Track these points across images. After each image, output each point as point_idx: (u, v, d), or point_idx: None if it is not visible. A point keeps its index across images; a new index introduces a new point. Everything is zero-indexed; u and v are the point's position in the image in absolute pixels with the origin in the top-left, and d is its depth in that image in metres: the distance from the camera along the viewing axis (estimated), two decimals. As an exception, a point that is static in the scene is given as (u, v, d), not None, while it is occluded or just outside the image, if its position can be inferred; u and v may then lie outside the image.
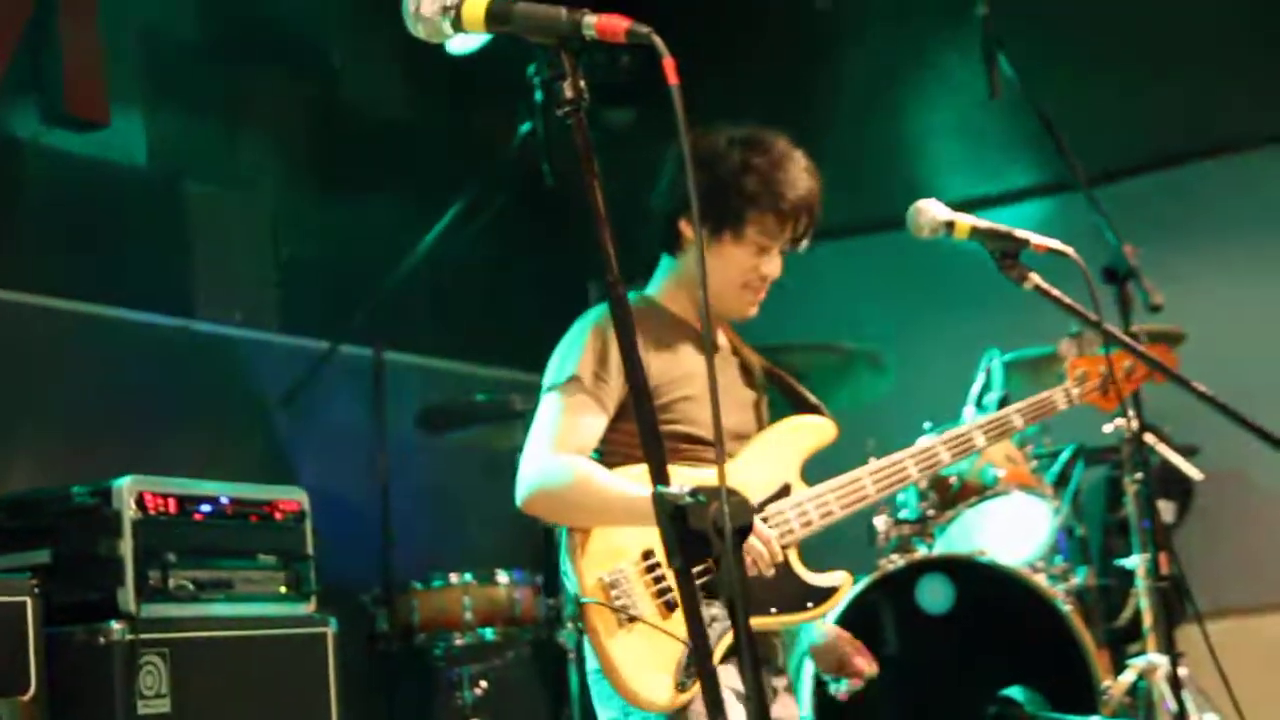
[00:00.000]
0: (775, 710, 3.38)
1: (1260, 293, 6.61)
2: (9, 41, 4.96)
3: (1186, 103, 6.60)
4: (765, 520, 3.24)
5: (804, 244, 3.49)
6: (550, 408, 3.26)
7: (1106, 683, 4.96)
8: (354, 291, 5.81)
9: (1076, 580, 5.48)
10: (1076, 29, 6.78)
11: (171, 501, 3.99)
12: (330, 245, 6.07)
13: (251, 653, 4.07)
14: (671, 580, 3.11)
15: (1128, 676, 4.94)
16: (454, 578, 5.17)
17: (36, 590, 3.66)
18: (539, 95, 5.31)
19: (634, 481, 3.14)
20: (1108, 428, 5.07)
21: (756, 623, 3.23)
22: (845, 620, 4.91)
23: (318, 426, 5.82)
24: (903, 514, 5.46)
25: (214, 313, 5.61)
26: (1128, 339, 3.45)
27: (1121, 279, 4.79)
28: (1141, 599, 5.02)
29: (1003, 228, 3.34)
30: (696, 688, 3.06)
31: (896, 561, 5.08)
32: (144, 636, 3.80)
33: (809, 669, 4.84)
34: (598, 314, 3.37)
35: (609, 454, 3.29)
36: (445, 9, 2.20)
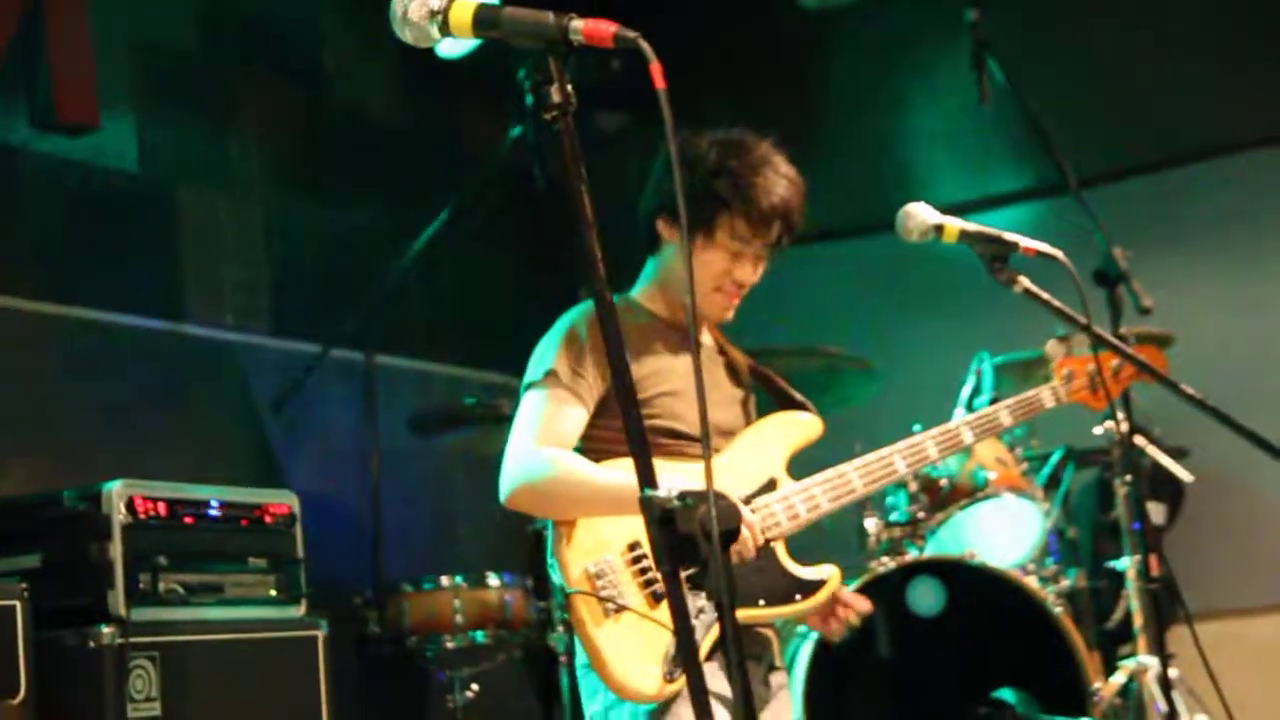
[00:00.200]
0: (772, 712, 3.38)
1: (1250, 295, 6.63)
2: (0, 46, 4.96)
3: (1176, 105, 6.61)
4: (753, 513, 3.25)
5: (781, 248, 3.47)
6: (530, 404, 3.27)
7: (1097, 684, 4.96)
8: (345, 295, 5.81)
9: (1067, 582, 5.49)
10: (1065, 33, 6.80)
11: (162, 505, 3.99)
12: (321, 249, 6.07)
13: (242, 656, 4.07)
14: (659, 570, 3.11)
15: (1118, 678, 4.95)
16: (445, 580, 5.16)
17: (26, 594, 3.66)
18: (529, 99, 5.32)
19: (619, 470, 3.16)
20: (1098, 430, 5.08)
21: (744, 615, 3.24)
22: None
23: (309, 430, 5.82)
24: (894, 516, 5.46)
25: (205, 316, 5.61)
26: (1116, 341, 3.46)
27: (1111, 282, 4.80)
28: (1132, 601, 5.03)
29: (992, 231, 3.35)
30: (684, 679, 3.06)
31: (887, 564, 5.08)
32: (134, 640, 3.79)
33: (801, 668, 4.84)
34: (575, 313, 3.38)
35: (591, 451, 3.28)
36: (433, 14, 2.21)
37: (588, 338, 3.29)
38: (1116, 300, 4.82)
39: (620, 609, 3.07)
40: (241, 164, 5.95)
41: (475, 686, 5.24)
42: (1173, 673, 4.80)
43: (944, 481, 5.43)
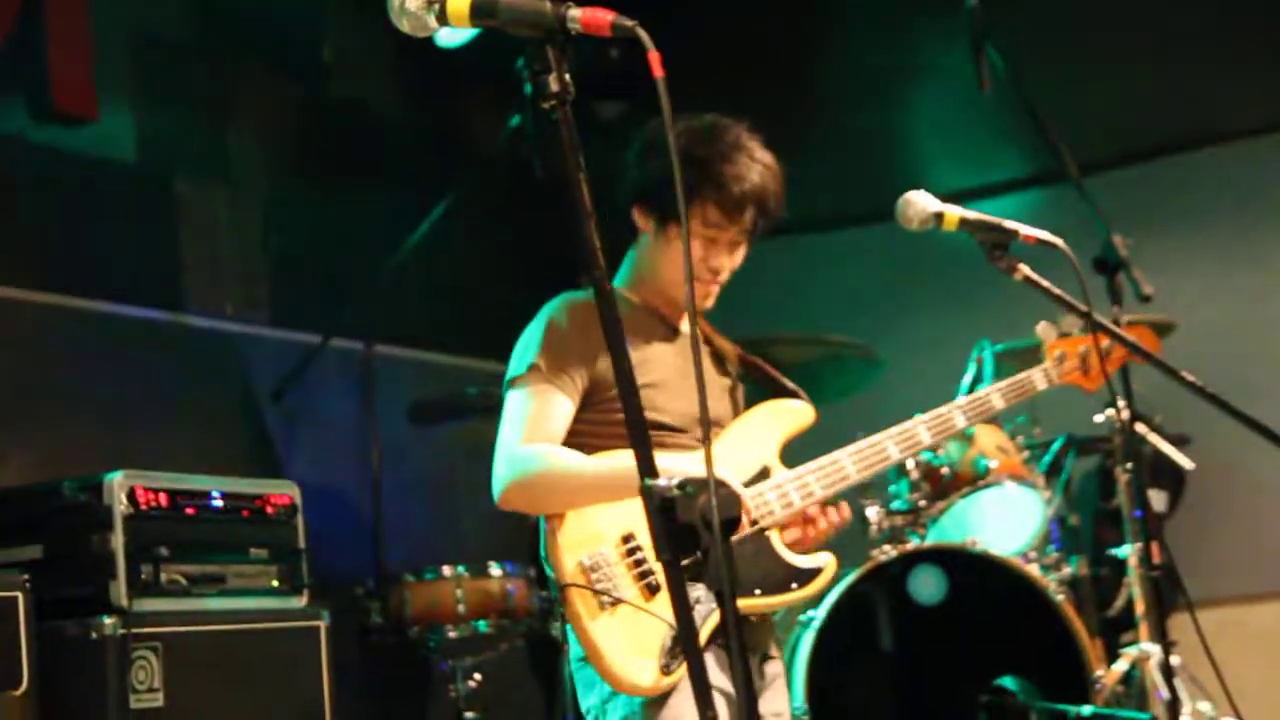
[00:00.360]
0: (766, 702, 3.37)
1: (1250, 283, 6.62)
2: (-2, 38, 4.96)
3: (1176, 93, 6.60)
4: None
5: (759, 233, 3.42)
6: (515, 401, 3.24)
7: (1099, 672, 4.96)
8: (345, 285, 5.81)
9: (1069, 570, 5.49)
10: (1065, 20, 6.78)
11: (163, 496, 3.99)
12: (321, 239, 6.07)
13: (244, 646, 4.07)
14: (653, 562, 3.10)
15: (1120, 665, 4.95)
16: (447, 570, 5.16)
17: (28, 585, 3.66)
18: (528, 88, 5.31)
19: (608, 458, 3.15)
20: (1099, 418, 5.08)
21: (741, 604, 3.22)
22: (838, 611, 4.92)
23: (309, 420, 5.82)
24: (895, 505, 5.46)
25: (205, 307, 5.61)
26: (1107, 323, 3.45)
27: (1111, 269, 4.80)
28: (1134, 588, 5.04)
29: (992, 219, 3.34)
30: (681, 671, 3.05)
31: (889, 552, 5.08)
32: (136, 631, 3.79)
33: (803, 657, 4.85)
34: (554, 305, 3.36)
35: (577, 443, 3.26)
36: (430, 3, 2.21)
37: (569, 329, 3.27)
38: (1116, 288, 4.82)
39: (616, 602, 3.05)
40: (240, 155, 5.94)
41: (478, 676, 5.25)
42: (1174, 660, 4.80)
43: (945, 470, 5.42)
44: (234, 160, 5.92)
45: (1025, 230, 3.32)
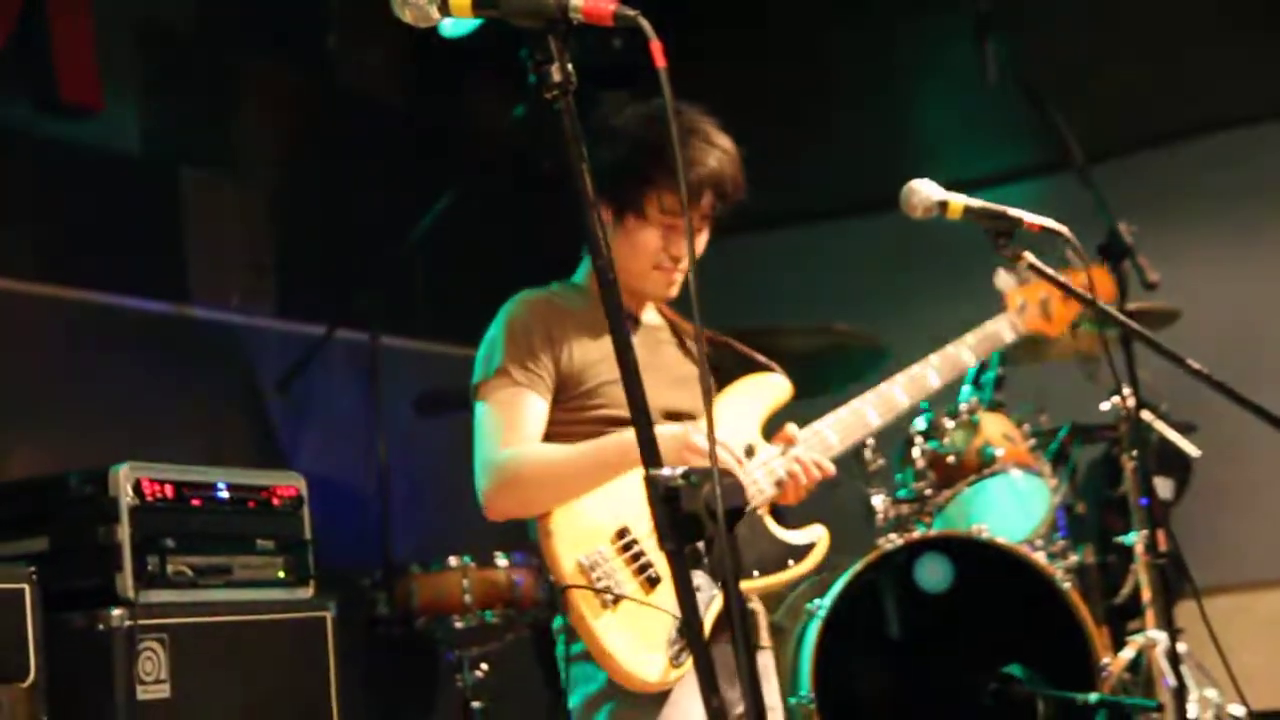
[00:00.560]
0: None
1: (1256, 269, 6.62)
2: (3, 29, 4.95)
3: (1181, 80, 6.59)
4: None
5: (719, 217, 3.35)
6: (487, 408, 3.22)
7: (1106, 659, 4.97)
8: (350, 276, 5.81)
9: (1075, 558, 5.49)
10: (1071, 8, 6.77)
11: (169, 488, 3.99)
12: (326, 229, 6.07)
13: (251, 638, 4.07)
14: (651, 555, 3.08)
15: (1127, 653, 4.95)
16: (453, 561, 5.16)
17: (35, 577, 3.66)
18: (532, 78, 5.30)
19: (592, 441, 3.12)
20: (1105, 405, 5.08)
21: (742, 587, 3.18)
22: (844, 600, 4.92)
23: (315, 411, 5.83)
24: (901, 493, 5.46)
25: (210, 298, 5.61)
26: (1122, 316, 3.43)
27: (1117, 257, 4.80)
28: (1140, 576, 5.03)
29: (996, 207, 3.33)
30: (689, 662, 3.03)
31: (895, 541, 5.08)
32: (143, 622, 3.79)
33: (810, 646, 4.85)
34: (510, 306, 3.32)
35: (549, 440, 3.23)
36: (432, -6, 2.20)
37: (531, 328, 3.23)
38: (1122, 275, 4.82)
39: (618, 599, 3.02)
40: (245, 145, 5.94)
41: (485, 666, 5.25)
42: (1181, 647, 4.80)
43: (951, 458, 5.42)
44: (239, 151, 5.92)
45: (1030, 218, 3.31)
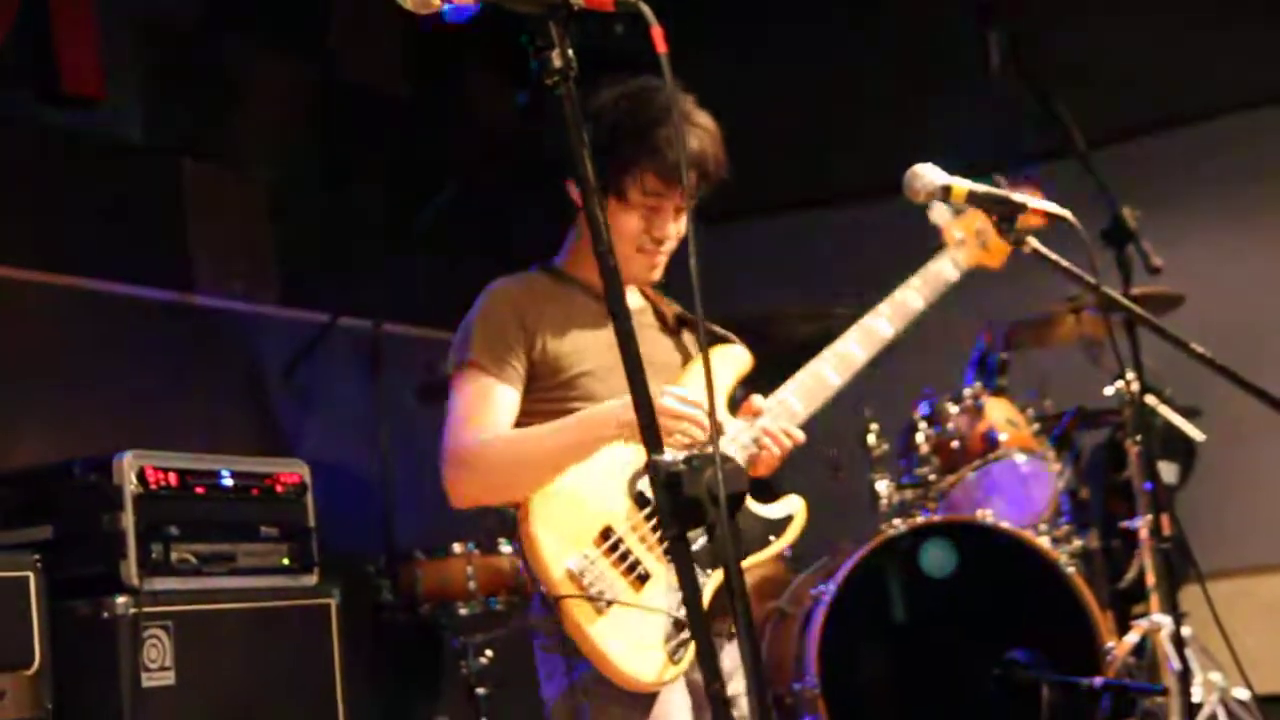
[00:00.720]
0: (736, 683, 3.27)
1: (1260, 253, 6.61)
2: (4, 20, 4.95)
3: (1183, 65, 6.57)
4: None
5: (701, 197, 3.25)
6: (457, 397, 3.16)
7: (1110, 644, 4.97)
8: (352, 264, 5.81)
9: (1080, 542, 5.49)
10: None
11: (173, 476, 4.00)
12: (328, 218, 6.07)
13: (255, 625, 4.09)
14: (638, 552, 3.04)
15: (1132, 637, 4.95)
16: (457, 547, 5.16)
17: (39, 565, 3.67)
18: (534, 65, 5.30)
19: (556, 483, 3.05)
20: (1109, 390, 5.08)
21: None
22: (849, 586, 4.92)
23: (318, 399, 5.83)
24: (905, 479, 5.46)
25: (213, 286, 5.61)
26: (1114, 293, 3.42)
27: (1120, 242, 4.79)
28: (1145, 560, 5.03)
29: (999, 191, 3.32)
30: (687, 656, 3.00)
31: (899, 526, 5.08)
32: (147, 610, 3.81)
33: (815, 631, 4.85)
34: (486, 294, 3.27)
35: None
36: (432, -20, 2.20)
37: (504, 316, 3.19)
38: (1126, 260, 4.81)
39: (611, 603, 2.97)
40: (247, 135, 5.94)
41: (489, 653, 5.25)
42: (1186, 631, 4.80)
43: (955, 443, 5.42)
44: (241, 141, 5.92)
45: (1034, 203, 3.30)
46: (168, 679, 3.83)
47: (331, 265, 5.97)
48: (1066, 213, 3.30)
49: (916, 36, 7.03)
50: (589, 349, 3.22)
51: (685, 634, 3.01)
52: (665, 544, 3.02)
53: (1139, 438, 4.94)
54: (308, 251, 6.00)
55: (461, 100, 6.82)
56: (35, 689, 3.62)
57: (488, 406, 3.12)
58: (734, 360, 3.39)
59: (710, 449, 2.07)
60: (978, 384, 5.50)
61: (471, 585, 5.11)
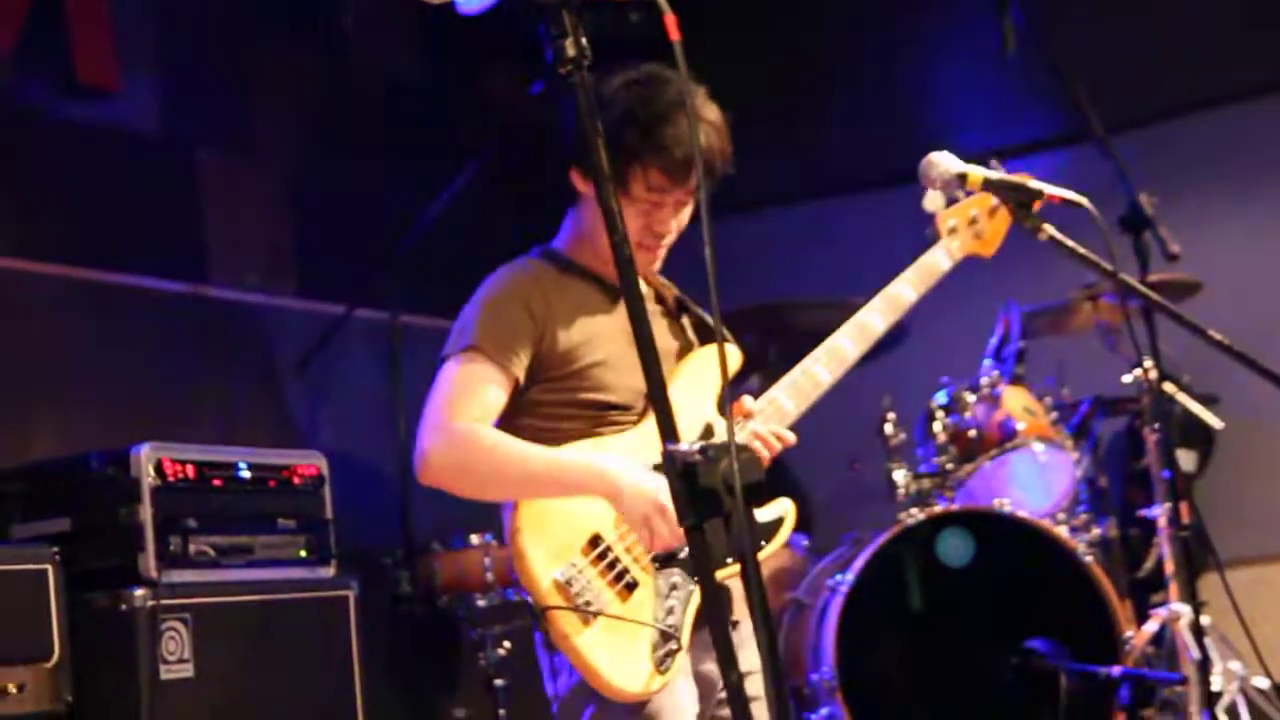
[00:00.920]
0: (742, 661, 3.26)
1: (1278, 240, 6.57)
2: (19, 11, 4.96)
3: (1201, 49, 6.54)
4: None
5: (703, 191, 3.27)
6: (449, 376, 3.11)
7: (1129, 633, 4.96)
8: (369, 255, 5.81)
9: (1098, 531, 5.48)
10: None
11: (190, 468, 4.00)
12: (344, 208, 6.06)
13: (274, 617, 4.09)
14: (625, 561, 3.01)
15: (1150, 626, 4.94)
16: (475, 539, 5.16)
17: (58, 558, 3.68)
18: (550, 54, 5.29)
19: (550, 450, 3.03)
20: (1127, 378, 5.06)
21: (719, 575, 3.06)
22: (866, 575, 4.92)
23: (335, 390, 5.84)
24: (922, 468, 5.45)
25: (229, 278, 5.62)
26: (1132, 281, 3.40)
27: (1138, 228, 4.77)
28: (1163, 549, 5.02)
29: (1015, 178, 3.31)
30: (675, 666, 2.99)
31: (916, 515, 5.08)
32: (165, 602, 3.82)
33: (832, 620, 4.85)
34: (493, 281, 3.23)
35: (540, 417, 3.15)
36: (446, -31, 2.19)
37: (511, 306, 3.14)
38: (1143, 246, 4.79)
39: (599, 613, 2.95)
40: (263, 125, 5.94)
41: (507, 644, 5.24)
42: (1205, 620, 4.78)
43: (973, 432, 5.41)
44: (257, 131, 5.92)
45: (1050, 190, 3.29)
46: (186, 671, 3.84)
47: (348, 256, 5.97)
48: (1083, 199, 3.29)
49: (932, 21, 7.01)
50: (599, 338, 3.20)
51: (672, 644, 3.00)
52: (651, 553, 3.02)
53: (1157, 426, 4.93)
54: (324, 242, 6.00)
55: (478, 87, 6.81)
56: (55, 681, 3.63)
57: (480, 392, 3.07)
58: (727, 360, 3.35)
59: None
60: (995, 373, 5.49)
61: (489, 577, 5.11)
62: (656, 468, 2.92)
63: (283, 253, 5.89)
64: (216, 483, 4.08)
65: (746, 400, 3.22)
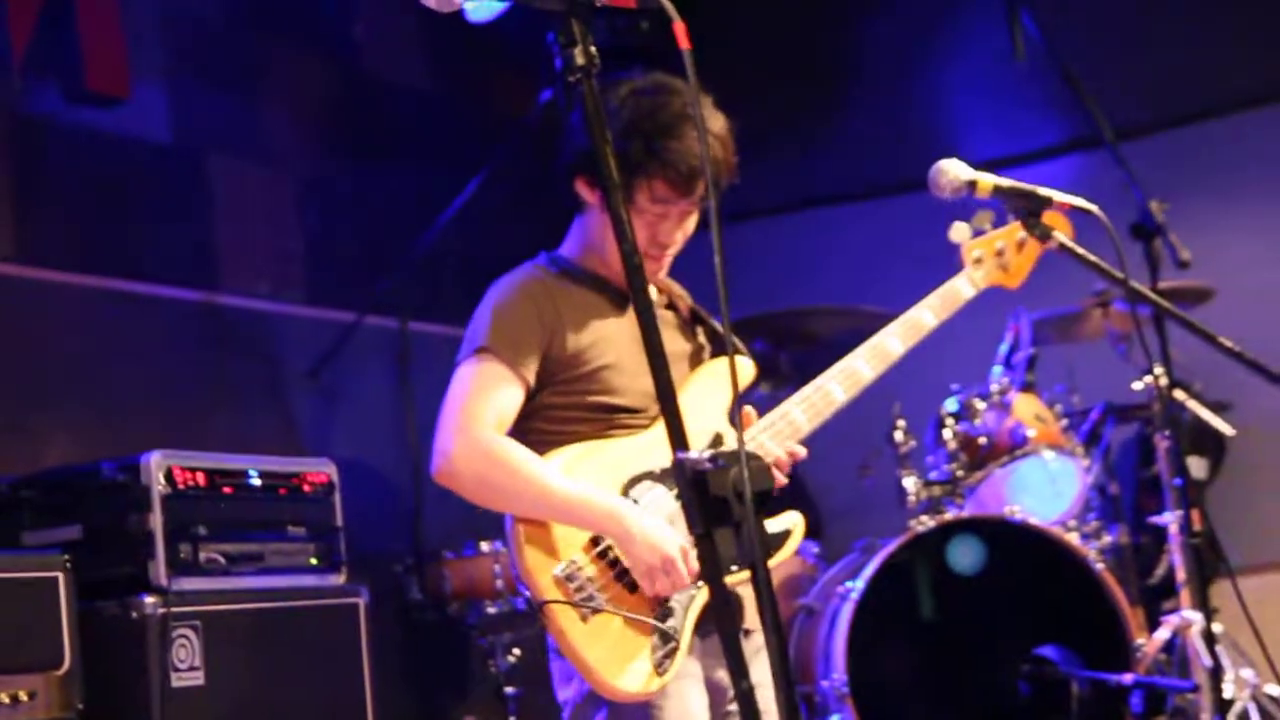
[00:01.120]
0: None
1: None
2: (30, 18, 4.97)
3: (1213, 56, 6.53)
4: None
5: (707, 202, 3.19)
6: (467, 378, 3.12)
7: (1140, 640, 4.95)
8: (379, 263, 5.82)
9: (1109, 538, 5.47)
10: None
11: (200, 475, 4.00)
12: (355, 216, 6.07)
13: (284, 624, 4.08)
14: (626, 560, 3.01)
15: (1162, 633, 4.93)
16: (485, 546, 5.17)
17: (68, 565, 3.68)
18: (559, 62, 5.29)
19: (567, 476, 3.04)
20: (1138, 385, 5.06)
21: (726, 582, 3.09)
22: (877, 582, 4.91)
23: (345, 398, 5.84)
24: (933, 475, 5.45)
25: (239, 286, 5.62)
26: (1144, 289, 3.40)
27: (1148, 235, 4.77)
28: (1175, 556, 5.01)
29: (1026, 186, 3.31)
30: (674, 668, 2.98)
31: (927, 523, 5.07)
32: (176, 610, 3.81)
33: (843, 627, 4.84)
34: (501, 286, 3.24)
35: (549, 421, 3.17)
36: (454, -22, 2.19)
37: (520, 311, 3.15)
38: (1154, 254, 4.79)
39: (599, 610, 2.95)
40: (273, 133, 5.95)
41: (517, 651, 5.25)
42: (1216, 627, 4.78)
43: (983, 439, 5.41)
44: (267, 138, 5.93)
45: (1060, 197, 3.29)
46: (197, 679, 3.83)
47: (358, 263, 5.98)
48: (1093, 206, 3.29)
49: (942, 27, 7.01)
50: (607, 341, 3.20)
51: (672, 645, 3.00)
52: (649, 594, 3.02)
53: (1168, 432, 4.92)
54: (334, 250, 6.00)
55: (487, 95, 6.81)
56: (65, 689, 3.62)
57: (496, 396, 3.09)
58: (739, 372, 3.35)
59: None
60: (1005, 380, 5.48)
61: (499, 584, 5.11)
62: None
63: (293, 261, 5.90)
64: (227, 490, 4.07)
65: (752, 414, 3.22)
